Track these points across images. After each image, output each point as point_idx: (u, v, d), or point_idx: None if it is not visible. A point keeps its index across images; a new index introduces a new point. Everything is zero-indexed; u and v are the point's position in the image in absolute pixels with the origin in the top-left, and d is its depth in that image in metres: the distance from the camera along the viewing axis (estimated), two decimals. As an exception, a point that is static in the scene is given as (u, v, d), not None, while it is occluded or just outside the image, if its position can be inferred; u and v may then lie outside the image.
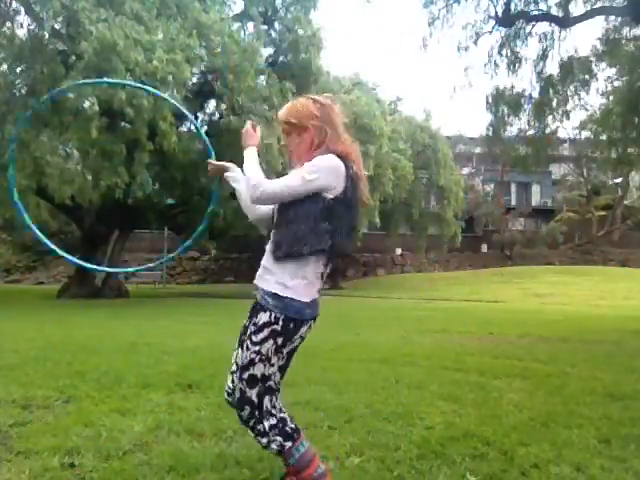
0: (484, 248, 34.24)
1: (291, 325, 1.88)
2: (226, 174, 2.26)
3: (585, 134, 14.84)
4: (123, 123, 12.96)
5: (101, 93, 11.20)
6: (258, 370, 1.90)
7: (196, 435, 2.73)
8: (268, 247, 1.96)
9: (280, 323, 1.87)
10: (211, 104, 16.44)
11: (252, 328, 1.91)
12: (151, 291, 21.48)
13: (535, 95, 11.83)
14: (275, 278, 1.89)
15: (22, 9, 12.80)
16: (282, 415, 2.00)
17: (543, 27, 11.29)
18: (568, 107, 12.06)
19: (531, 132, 12.25)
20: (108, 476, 2.21)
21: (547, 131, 12.24)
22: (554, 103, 11.80)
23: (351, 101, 18.32)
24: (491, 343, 6.65)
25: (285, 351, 1.93)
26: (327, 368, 4.58)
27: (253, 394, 1.92)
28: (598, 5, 10.56)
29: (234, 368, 2.01)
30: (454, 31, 30.52)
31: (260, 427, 1.95)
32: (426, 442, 2.63)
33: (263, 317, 1.88)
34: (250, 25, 16.66)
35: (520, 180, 37.57)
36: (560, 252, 33.45)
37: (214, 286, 26.06)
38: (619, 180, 32.10)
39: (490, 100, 12.47)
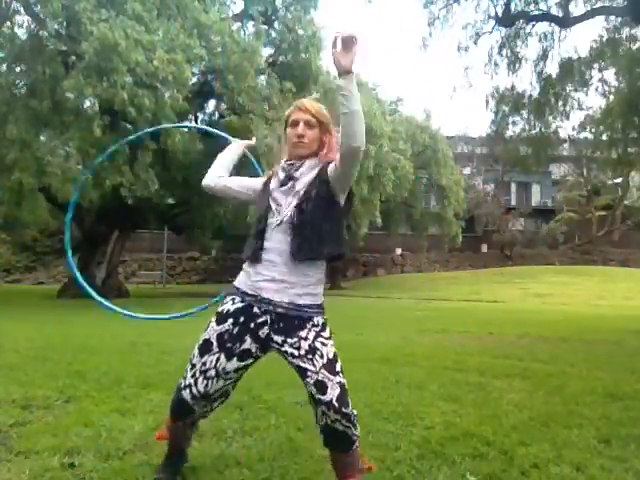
0: (484, 248, 34.25)
1: None
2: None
3: (585, 134, 14.83)
4: (125, 123, 12.96)
5: (102, 93, 11.20)
6: (340, 364, 1.95)
7: (196, 435, 2.72)
8: (280, 253, 1.95)
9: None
10: (211, 104, 16.48)
11: (315, 329, 1.94)
12: (151, 291, 21.49)
13: (535, 95, 11.83)
14: (304, 290, 1.95)
15: (22, 9, 12.80)
16: None
17: (543, 27, 11.30)
18: (568, 107, 12.05)
19: (532, 132, 12.25)
20: (108, 476, 2.21)
21: (547, 131, 12.23)
22: (554, 103, 11.79)
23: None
24: (491, 343, 6.65)
25: None
26: (327, 368, 4.57)
27: (346, 384, 1.94)
28: (598, 5, 10.56)
29: (212, 373, 1.98)
30: (454, 31, 30.61)
31: (354, 417, 1.95)
32: (426, 442, 2.63)
33: (320, 320, 1.97)
34: (250, 25, 16.67)
35: (520, 180, 37.60)
36: (560, 252, 33.46)
37: (214, 286, 26.06)
38: (619, 180, 32.10)
39: (490, 100, 12.47)
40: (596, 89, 12.51)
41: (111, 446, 2.52)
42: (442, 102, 67.97)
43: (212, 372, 1.97)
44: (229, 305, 2.02)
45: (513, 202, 37.34)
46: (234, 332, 1.97)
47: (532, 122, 12.12)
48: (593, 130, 13.51)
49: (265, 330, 1.96)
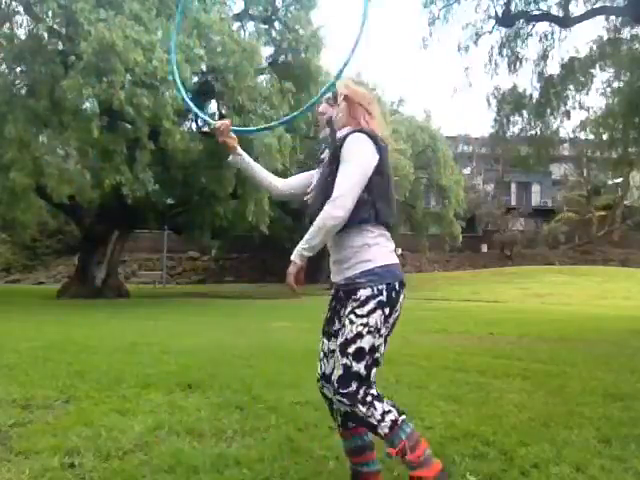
0: (484, 248, 34.26)
1: (393, 293, 1.92)
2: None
3: (585, 134, 14.81)
4: (124, 122, 12.96)
5: (100, 93, 11.20)
6: (367, 342, 1.87)
7: (196, 435, 2.72)
8: (338, 247, 1.99)
9: (384, 293, 1.90)
10: (212, 104, 16.46)
11: (352, 304, 1.91)
12: (151, 291, 21.49)
13: (536, 95, 11.83)
14: (352, 261, 1.95)
15: (22, 9, 12.81)
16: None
17: (543, 27, 11.31)
18: (568, 107, 12.06)
19: (532, 132, 12.24)
20: (108, 476, 2.21)
21: (548, 131, 12.22)
22: (555, 103, 11.79)
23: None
24: (491, 343, 6.65)
25: (390, 321, 1.94)
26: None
27: (361, 367, 1.88)
28: (598, 5, 10.56)
29: (321, 355, 2.08)
30: (454, 31, 30.53)
31: (369, 398, 1.87)
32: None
33: (364, 293, 1.89)
34: (250, 25, 16.69)
35: (520, 180, 37.61)
36: (560, 252, 33.46)
37: (214, 286, 26.06)
38: (619, 180, 32.10)
39: (491, 100, 12.47)
40: (597, 89, 12.52)
41: (111, 446, 2.52)
42: (442, 102, 68.03)
43: (321, 354, 2.09)
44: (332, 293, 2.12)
45: (513, 202, 37.35)
46: (328, 316, 2.09)
47: (533, 122, 12.12)
48: (595, 130, 13.49)
49: (340, 309, 2.03)
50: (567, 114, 12.16)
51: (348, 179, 1.88)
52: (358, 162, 1.91)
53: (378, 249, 1.95)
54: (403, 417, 1.91)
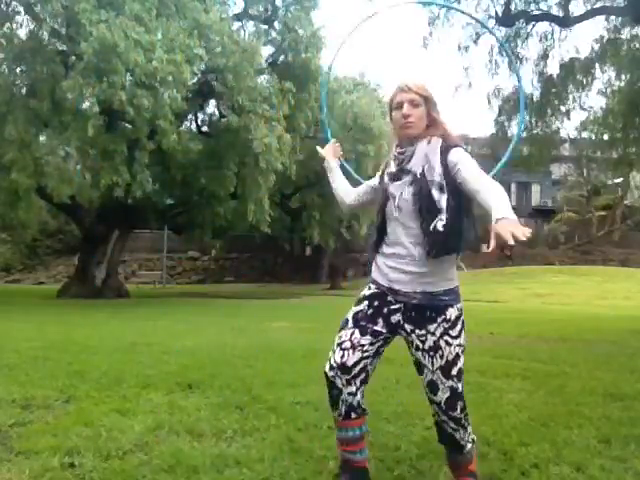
0: (484, 248, 34.20)
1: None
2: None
3: (585, 134, 14.80)
4: (124, 123, 12.97)
5: (101, 93, 11.21)
6: (462, 362, 1.98)
7: (196, 435, 2.72)
8: (405, 246, 1.96)
9: (462, 312, 2.01)
10: (211, 104, 16.46)
11: (444, 325, 1.95)
12: (151, 291, 21.49)
13: (536, 95, 11.82)
14: (438, 277, 1.95)
15: (22, 9, 12.81)
16: None
17: (544, 27, 11.29)
18: (569, 107, 12.05)
19: (533, 132, 12.23)
20: (108, 476, 2.21)
21: (549, 131, 12.21)
22: (555, 103, 11.78)
23: (351, 102, 18.32)
24: (491, 343, 6.64)
25: None
26: (327, 368, 4.57)
27: (461, 387, 1.97)
28: (598, 5, 10.55)
29: (348, 345, 1.99)
30: (454, 30, 30.48)
31: (465, 421, 2.00)
32: (426, 442, 2.62)
33: (452, 312, 1.96)
34: (250, 25, 16.67)
35: (520, 180, 37.57)
36: (560, 252, 33.44)
37: (214, 286, 26.06)
38: (619, 180, 32.08)
39: (491, 100, 12.46)
40: (597, 89, 12.51)
41: (111, 446, 2.52)
42: (442, 102, 67.86)
43: (347, 344, 1.99)
44: (365, 291, 2.09)
45: (513, 202, 36.89)
46: (368, 313, 2.03)
47: (534, 122, 12.11)
48: (595, 130, 13.48)
49: (397, 317, 2.01)
50: (567, 114, 12.16)
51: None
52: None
53: (454, 268, 2.03)
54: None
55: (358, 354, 1.98)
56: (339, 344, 2.01)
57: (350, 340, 1.99)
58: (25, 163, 11.68)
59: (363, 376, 2.00)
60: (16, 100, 12.53)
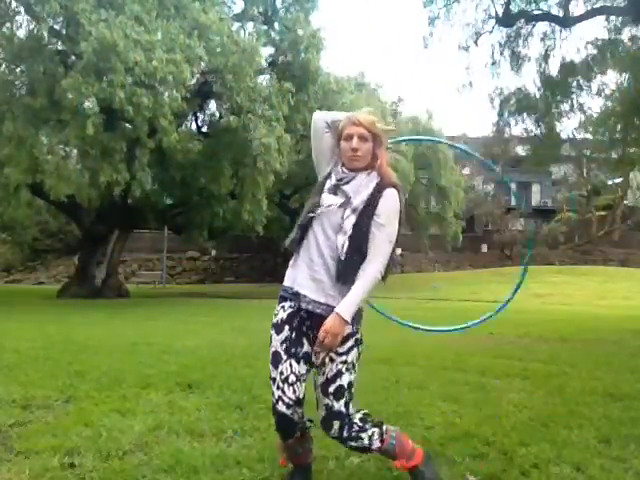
0: (484, 248, 34.23)
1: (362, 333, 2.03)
2: None
3: (586, 134, 14.80)
4: (123, 122, 12.96)
5: (100, 92, 11.21)
6: (345, 380, 1.98)
7: (196, 435, 2.72)
8: (320, 255, 1.96)
9: (359, 332, 2.02)
10: (211, 104, 16.46)
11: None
12: (151, 291, 21.48)
13: (537, 95, 11.81)
14: (341, 292, 1.95)
15: (22, 9, 12.81)
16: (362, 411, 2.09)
17: (544, 27, 11.29)
18: (569, 107, 12.04)
19: (534, 132, 12.23)
20: (108, 476, 2.21)
21: (549, 131, 12.21)
22: (556, 103, 11.78)
23: (351, 102, 18.31)
24: (491, 343, 6.65)
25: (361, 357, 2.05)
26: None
27: (339, 406, 1.98)
28: (598, 5, 10.55)
29: (293, 379, 1.95)
30: (455, 30, 30.52)
31: (354, 428, 2.02)
32: (426, 442, 2.62)
33: (346, 329, 1.94)
34: (250, 25, 16.66)
35: (520, 180, 37.55)
36: (560, 252, 33.43)
37: (214, 286, 26.05)
38: (619, 180, 32.08)
39: (492, 100, 12.46)
40: (597, 89, 12.50)
41: (111, 446, 2.52)
42: (442, 102, 68.03)
43: (292, 377, 1.96)
44: (281, 313, 2.03)
45: (513, 202, 37.30)
46: (293, 337, 2.00)
47: (534, 122, 12.12)
48: (595, 130, 13.48)
49: (311, 333, 2.00)
50: (567, 114, 12.16)
51: (389, 245, 2.00)
52: (396, 226, 2.00)
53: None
54: (384, 427, 2.08)
55: (303, 383, 2.00)
56: (284, 380, 1.96)
57: (293, 373, 1.97)
58: (20, 159, 11.67)
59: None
60: (15, 99, 12.54)
